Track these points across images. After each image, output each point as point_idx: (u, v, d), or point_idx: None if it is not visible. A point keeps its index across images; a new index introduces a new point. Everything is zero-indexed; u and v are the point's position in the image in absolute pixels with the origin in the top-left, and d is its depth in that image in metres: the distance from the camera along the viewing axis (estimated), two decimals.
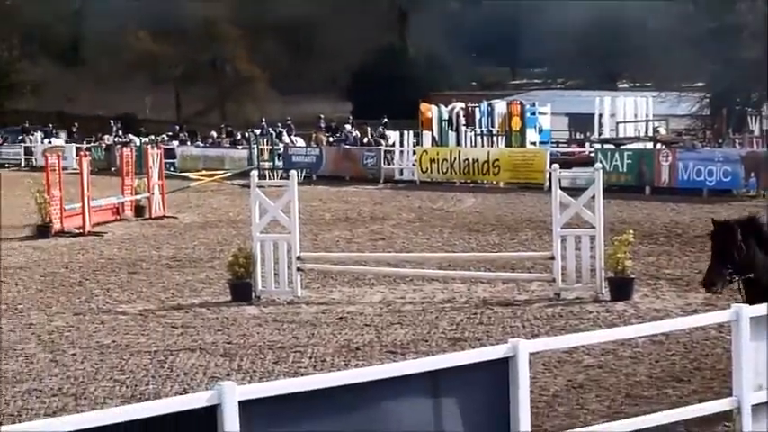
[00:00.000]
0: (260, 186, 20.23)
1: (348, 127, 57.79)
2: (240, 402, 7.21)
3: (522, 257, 22.33)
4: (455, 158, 45.10)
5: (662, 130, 48.01)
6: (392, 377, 7.99)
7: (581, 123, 57.56)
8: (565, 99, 63.53)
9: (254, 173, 20.97)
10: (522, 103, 48.66)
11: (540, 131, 47.78)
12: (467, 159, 44.69)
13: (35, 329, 17.55)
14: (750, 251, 11.39)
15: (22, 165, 68.08)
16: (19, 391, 13.64)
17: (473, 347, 14.11)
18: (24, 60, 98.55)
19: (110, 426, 6.83)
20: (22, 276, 23.23)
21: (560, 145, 52.44)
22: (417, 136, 49.50)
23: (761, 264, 11.42)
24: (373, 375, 7.99)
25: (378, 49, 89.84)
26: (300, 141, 56.87)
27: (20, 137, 73.66)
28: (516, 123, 46.45)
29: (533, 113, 47.69)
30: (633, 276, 19.06)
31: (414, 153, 47.58)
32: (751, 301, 11.45)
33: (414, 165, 47.14)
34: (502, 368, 8.48)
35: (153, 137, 63.75)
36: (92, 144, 65.08)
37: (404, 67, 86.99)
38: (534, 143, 46.49)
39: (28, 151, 69.41)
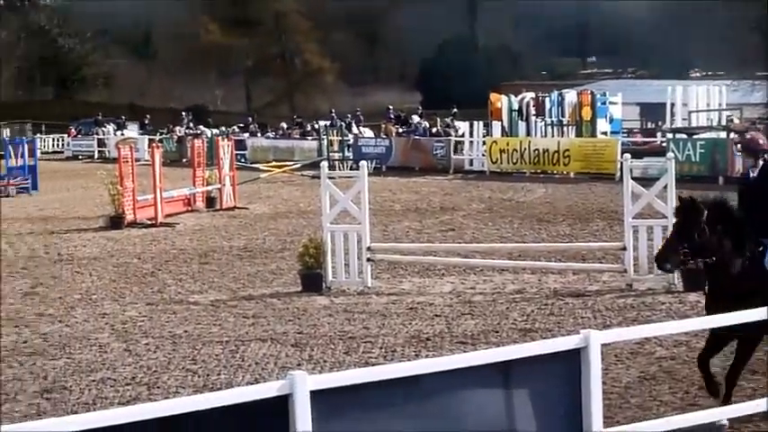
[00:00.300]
0: (330, 177, 20.26)
1: (416, 118, 57.73)
2: (311, 392, 7.23)
3: (593, 248, 22.19)
4: (525, 148, 44.94)
5: (735, 119, 47.44)
6: (463, 367, 7.97)
7: (653, 113, 57.08)
8: (636, 88, 63.08)
9: (324, 164, 21.03)
10: (592, 93, 48.34)
11: (611, 121, 47.41)
12: (537, 149, 44.51)
13: (109, 319, 17.73)
14: (714, 234, 10.86)
15: (95, 156, 68.85)
16: (93, 380, 13.79)
17: (544, 338, 14.06)
18: (97, 53, 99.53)
19: (183, 415, 6.88)
20: (96, 267, 23.48)
21: (631, 134, 52.01)
22: (487, 126, 49.38)
23: (727, 248, 10.91)
24: (444, 366, 7.97)
25: (447, 40, 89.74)
26: (368, 132, 56.92)
27: (93, 129, 74.47)
28: (587, 113, 46.16)
29: (604, 103, 47.34)
30: None
31: (483, 143, 47.47)
32: (711, 285, 11.23)
33: (483, 155, 47.04)
34: (573, 359, 8.43)
35: (224, 128, 64.13)
36: (164, 136, 65.60)
37: (473, 57, 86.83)
38: (605, 133, 46.16)
39: (101, 143, 70.20)
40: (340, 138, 52.77)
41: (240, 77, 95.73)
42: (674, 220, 11.45)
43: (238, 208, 34.95)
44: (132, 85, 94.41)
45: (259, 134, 63.22)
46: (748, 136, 12.27)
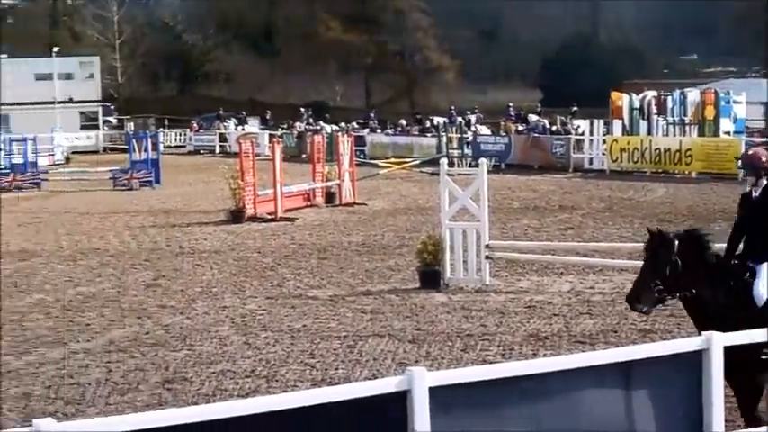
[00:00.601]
0: (449, 174, 20.27)
1: (533, 117, 57.37)
2: (429, 388, 7.23)
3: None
4: (646, 148, 44.49)
5: None
6: (583, 367, 7.91)
7: None
8: (761, 87, 61.98)
9: (444, 161, 20.97)
10: (716, 92, 47.64)
11: (735, 120, 46.68)
12: (658, 149, 44.02)
13: (229, 312, 17.95)
14: (689, 267, 10.19)
15: (217, 151, 69.62)
16: (213, 372, 13.98)
17: (663, 339, 13.90)
18: (219, 49, 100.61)
19: (300, 408, 6.93)
20: (217, 260, 23.77)
21: (755, 134, 51.10)
22: (607, 125, 48.94)
23: (706, 281, 10.19)
24: (563, 365, 7.92)
25: (569, 37, 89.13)
26: (485, 130, 56.75)
27: (214, 124, 75.32)
28: (710, 112, 45.51)
29: (728, 102, 46.61)
30: None
31: (603, 142, 47.08)
32: (695, 322, 10.43)
33: (603, 154, 46.64)
34: (695, 361, 8.32)
35: (343, 124, 64.42)
36: (284, 131, 66.10)
37: (595, 54, 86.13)
38: (728, 132, 45.46)
39: (222, 138, 70.95)
40: (459, 135, 52.72)
41: (360, 74, 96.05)
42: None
43: (357, 204, 35.10)
44: (253, 81, 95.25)
45: (378, 130, 63.41)
46: (750, 152, 11.65)
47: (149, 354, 15.11)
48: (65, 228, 30.92)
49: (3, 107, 78.46)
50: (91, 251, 25.88)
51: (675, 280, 10.24)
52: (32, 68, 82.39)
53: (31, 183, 46.09)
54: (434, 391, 7.24)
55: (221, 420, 6.68)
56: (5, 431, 6.27)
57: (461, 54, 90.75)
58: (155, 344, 15.74)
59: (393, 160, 51.47)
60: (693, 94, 47.38)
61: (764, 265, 10.37)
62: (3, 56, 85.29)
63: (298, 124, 68.12)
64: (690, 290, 10.27)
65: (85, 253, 25.57)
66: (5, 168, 48.24)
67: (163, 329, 16.75)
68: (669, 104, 46.92)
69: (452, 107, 63.97)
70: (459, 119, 58.15)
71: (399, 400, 7.17)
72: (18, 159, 47.82)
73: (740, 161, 11.44)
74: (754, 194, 10.73)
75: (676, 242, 10.31)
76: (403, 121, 64.23)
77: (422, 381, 7.18)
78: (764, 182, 10.65)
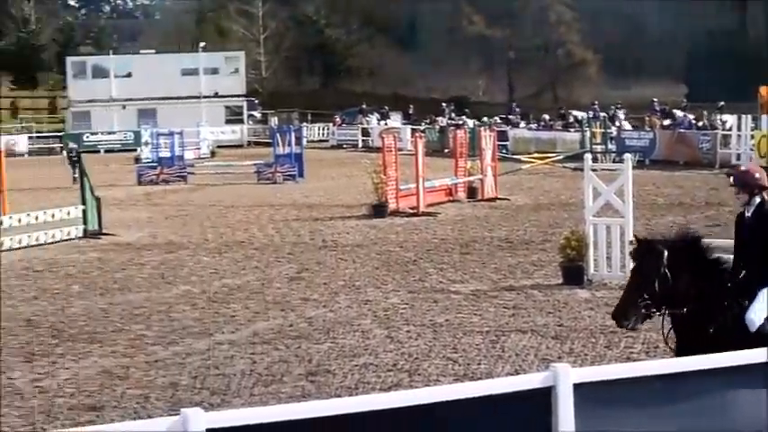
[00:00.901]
0: (593, 169, 20.11)
1: (678, 113, 56.49)
2: (573, 385, 7.19)
3: None
4: None
5: None
6: (728, 367, 7.79)
7: None
8: None
9: (588, 156, 20.84)
10: None
11: None
12: None
13: (371, 306, 18.05)
14: (680, 280, 9.48)
15: (359, 145, 70.01)
16: (356, 365, 14.08)
17: None
18: (362, 44, 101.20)
19: (442, 403, 6.94)
20: (360, 254, 23.92)
21: None
22: (755, 120, 47.99)
23: (702, 297, 9.46)
24: (709, 364, 7.81)
25: (716, 31, 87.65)
26: (626, 125, 56.10)
27: (357, 118, 75.78)
28: None
29: None
30: None
31: (751, 137, 46.18)
32: (680, 342, 9.74)
33: (751, 149, 45.76)
34: None
35: (486, 119, 64.28)
36: (426, 126, 66.20)
37: (743, 49, 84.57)
38: None
39: (365, 132, 71.33)
40: (603, 130, 52.23)
41: (503, 68, 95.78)
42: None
43: (499, 199, 35.00)
44: (396, 75, 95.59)
45: (521, 125, 63.11)
46: (743, 168, 10.81)
47: (293, 346, 15.28)
48: (210, 220, 31.43)
49: (150, 102, 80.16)
50: (236, 244, 26.26)
51: (664, 294, 9.59)
52: (179, 64, 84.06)
53: (177, 176, 46.92)
54: (578, 388, 7.19)
55: (362, 414, 6.73)
56: (154, 419, 6.40)
57: (604, 48, 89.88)
58: (298, 336, 15.91)
59: (536, 155, 51.16)
60: None
61: (763, 291, 9.69)
62: (151, 51, 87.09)
63: (440, 119, 68.19)
64: (681, 308, 9.63)
65: (230, 245, 25.96)
66: (153, 162, 49.20)
67: (306, 322, 16.92)
68: None
69: (595, 102, 63.39)
70: (603, 114, 57.59)
71: (543, 397, 7.14)
72: (165, 153, 48.68)
73: (732, 178, 10.60)
74: (746, 214, 10.09)
75: (665, 252, 9.62)
76: (546, 116, 63.78)
77: (566, 377, 7.14)
78: (757, 200, 10.02)
